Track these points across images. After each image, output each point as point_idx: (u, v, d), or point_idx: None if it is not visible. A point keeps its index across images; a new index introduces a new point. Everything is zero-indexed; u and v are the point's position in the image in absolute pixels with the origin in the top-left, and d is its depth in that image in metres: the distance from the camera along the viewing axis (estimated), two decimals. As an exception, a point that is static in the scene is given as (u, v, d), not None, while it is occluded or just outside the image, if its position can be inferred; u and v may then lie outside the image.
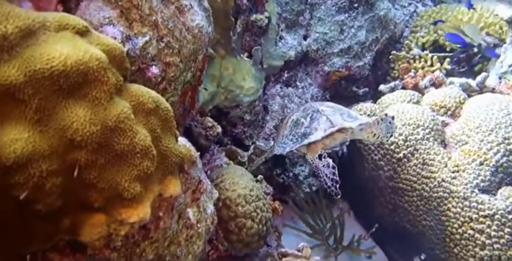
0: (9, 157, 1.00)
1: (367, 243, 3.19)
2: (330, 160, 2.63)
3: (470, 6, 3.49)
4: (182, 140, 1.63)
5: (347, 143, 2.98)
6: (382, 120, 2.58)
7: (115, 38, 1.56)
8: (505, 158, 2.45)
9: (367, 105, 3.15)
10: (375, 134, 2.63)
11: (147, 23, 1.67)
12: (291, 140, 2.73)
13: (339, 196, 2.53)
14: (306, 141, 2.63)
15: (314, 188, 3.48)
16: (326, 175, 2.61)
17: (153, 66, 1.72)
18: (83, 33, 1.18)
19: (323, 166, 2.62)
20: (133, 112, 1.24)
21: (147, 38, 1.66)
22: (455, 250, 2.51)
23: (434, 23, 3.59)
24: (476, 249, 2.42)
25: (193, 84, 2.12)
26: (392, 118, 2.57)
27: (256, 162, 3.12)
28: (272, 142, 3.35)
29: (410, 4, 4.03)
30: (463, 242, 2.47)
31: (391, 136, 2.58)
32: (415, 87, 3.27)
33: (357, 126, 2.57)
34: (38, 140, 1.04)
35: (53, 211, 1.10)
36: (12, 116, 1.04)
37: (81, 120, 1.09)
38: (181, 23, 1.82)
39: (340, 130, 2.59)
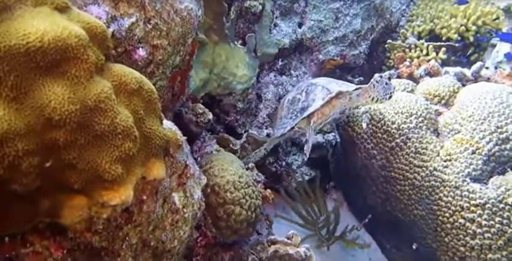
0: (-18, 135, 0.97)
1: (359, 233, 3.18)
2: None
3: (464, 2, 3.47)
4: (168, 124, 1.61)
5: (347, 113, 2.91)
6: (377, 82, 2.55)
7: (99, 18, 1.53)
8: (497, 147, 2.43)
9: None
10: (373, 98, 2.60)
11: (134, 3, 1.64)
12: (291, 119, 2.71)
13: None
14: (305, 114, 2.61)
15: (307, 178, 3.46)
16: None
17: (140, 49, 1.69)
18: (62, 9, 1.14)
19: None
20: (115, 93, 1.21)
21: (133, 19, 1.63)
22: (446, 239, 2.50)
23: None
24: (467, 239, 2.41)
25: (182, 69, 2.08)
26: (389, 78, 2.55)
27: (256, 155, 3.07)
28: (266, 132, 3.32)
29: (407, -8, 4.01)
30: (454, 231, 2.46)
31: (391, 96, 2.56)
32: (410, 76, 3.24)
33: (354, 91, 2.56)
34: (14, 119, 1.01)
35: (30, 191, 1.08)
36: (-13, 94, 1.01)
37: (59, 99, 1.05)
38: (169, 4, 1.79)
39: (338, 97, 2.56)
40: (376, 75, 2.58)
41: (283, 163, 3.46)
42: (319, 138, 3.44)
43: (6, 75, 1.01)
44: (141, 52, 1.69)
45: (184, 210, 1.67)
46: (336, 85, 2.62)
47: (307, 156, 2.65)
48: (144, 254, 1.53)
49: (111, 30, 1.57)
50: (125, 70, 1.27)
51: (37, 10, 1.10)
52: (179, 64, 1.99)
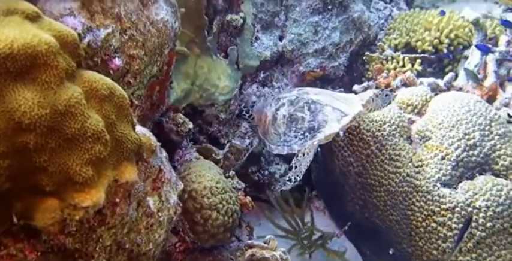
0: (-46, 140, 1.02)
1: (340, 240, 3.23)
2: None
3: (443, 13, 3.60)
4: (142, 130, 1.66)
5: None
6: (377, 96, 2.66)
7: (75, 29, 1.58)
8: (465, 153, 2.51)
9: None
10: (370, 110, 2.71)
11: (110, 15, 1.70)
12: (295, 137, 2.75)
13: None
14: (321, 135, 2.67)
15: (289, 187, 3.52)
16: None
17: (116, 58, 1.75)
18: (33, 18, 1.20)
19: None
20: (86, 98, 1.26)
21: (109, 30, 1.69)
22: (420, 243, 2.56)
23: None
24: (439, 242, 2.47)
25: (160, 79, 2.15)
26: (391, 90, 2.66)
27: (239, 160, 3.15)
28: (248, 141, 3.38)
29: (385, 8, 4.12)
30: (427, 235, 2.52)
31: (389, 103, 2.67)
32: (388, 87, 3.32)
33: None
34: (-15, 123, 1.07)
35: (2, 193, 1.12)
36: (-42, 98, 1.07)
37: (29, 103, 1.11)
38: (145, 16, 1.86)
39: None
40: (375, 91, 2.70)
41: (266, 172, 3.52)
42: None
43: (-23, 81, 1.07)
44: (117, 61, 1.75)
45: (160, 214, 1.72)
46: (344, 105, 2.71)
47: (298, 179, 2.77)
48: (119, 257, 1.57)
49: (86, 40, 1.63)
50: (95, 77, 1.33)
51: (8, 19, 1.15)
52: (157, 74, 2.05)
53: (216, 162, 3.09)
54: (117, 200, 1.46)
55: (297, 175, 2.75)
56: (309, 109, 2.80)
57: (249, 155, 3.31)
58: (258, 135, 3.05)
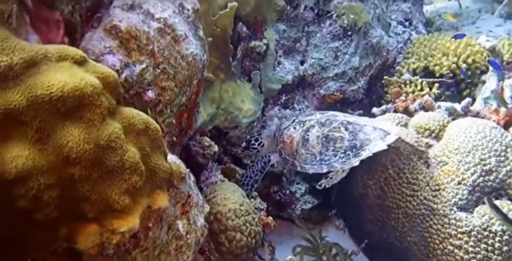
0: (11, 172, 1.14)
1: (358, 258, 3.29)
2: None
3: (459, 37, 3.68)
4: (173, 158, 1.78)
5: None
6: None
7: (114, 66, 1.73)
8: (481, 179, 2.58)
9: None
10: None
11: (144, 51, 1.84)
12: (335, 156, 2.90)
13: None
14: (366, 153, 2.84)
15: (310, 206, 3.61)
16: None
17: (150, 91, 1.88)
18: (80, 62, 1.34)
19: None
20: (125, 133, 1.39)
21: (144, 65, 1.83)
22: (437, 265, 2.64)
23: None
24: (456, 264, 2.54)
25: (189, 107, 2.28)
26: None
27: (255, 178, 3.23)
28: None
29: (404, 32, 4.21)
30: (444, 257, 2.59)
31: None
32: (406, 110, 3.40)
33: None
34: (38, 157, 1.19)
35: (51, 220, 1.24)
36: (15, 136, 1.19)
37: (76, 139, 1.23)
38: (176, 51, 1.99)
39: None
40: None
41: (287, 192, 3.61)
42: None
43: (32, 120, 1.19)
44: (151, 94, 1.88)
45: (188, 236, 1.83)
46: (384, 124, 2.96)
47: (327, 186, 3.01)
48: (151, 277, 1.69)
49: (124, 75, 1.76)
50: (133, 113, 1.46)
51: (59, 64, 1.29)
52: (186, 102, 2.19)
53: (238, 182, 3.22)
54: (150, 224, 1.58)
55: (329, 184, 2.98)
56: (346, 129, 2.96)
57: (270, 176, 3.43)
58: (283, 157, 3.11)
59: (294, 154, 3.03)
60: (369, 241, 3.08)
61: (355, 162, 2.86)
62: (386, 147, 2.81)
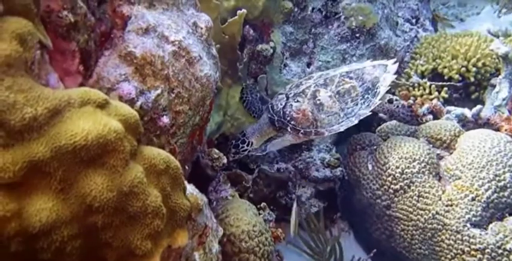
0: (35, 226, 1.12)
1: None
2: (402, 101, 3.28)
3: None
4: (190, 188, 1.75)
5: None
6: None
7: (130, 94, 1.68)
8: (495, 195, 2.56)
9: (367, 135, 3.29)
10: None
11: (159, 76, 1.79)
12: (356, 105, 3.00)
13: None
14: (383, 88, 3.02)
15: (315, 209, 3.60)
16: (404, 113, 3.19)
17: (164, 116, 1.84)
18: (102, 105, 1.30)
19: (396, 107, 3.19)
20: (146, 174, 1.35)
21: (159, 91, 1.78)
22: (448, 279, 2.64)
23: None
24: (468, 281, 2.54)
25: (201, 125, 2.24)
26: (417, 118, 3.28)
27: None
28: (276, 166, 3.49)
29: (411, 29, 4.14)
30: (455, 272, 2.60)
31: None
32: (414, 114, 3.38)
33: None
34: (61, 208, 1.16)
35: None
36: (39, 187, 1.16)
37: (99, 188, 1.20)
38: (190, 73, 1.94)
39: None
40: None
41: (293, 196, 3.60)
42: (327, 172, 3.57)
43: (56, 171, 1.16)
44: (165, 119, 1.84)
45: (204, 265, 1.81)
46: (375, 61, 3.24)
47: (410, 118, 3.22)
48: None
49: (139, 103, 1.72)
50: (153, 153, 1.42)
51: (82, 110, 1.25)
52: (199, 123, 2.14)
53: (246, 189, 3.20)
54: (170, 262, 1.56)
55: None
56: (351, 78, 3.05)
57: (276, 181, 3.42)
58: (303, 131, 3.04)
59: (314, 123, 2.99)
60: (377, 248, 3.07)
61: (378, 101, 2.98)
62: (396, 76, 3.07)
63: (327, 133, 2.99)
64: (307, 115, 2.98)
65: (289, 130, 3.03)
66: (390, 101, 3.19)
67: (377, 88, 2.99)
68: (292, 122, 3.01)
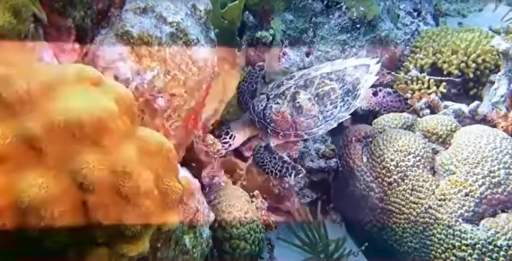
0: (23, 201, 1.11)
1: (356, 258, 3.29)
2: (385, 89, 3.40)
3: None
4: (182, 171, 1.74)
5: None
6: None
7: (125, 74, 1.66)
8: (489, 191, 2.55)
9: (363, 127, 3.26)
10: None
11: (156, 58, 1.77)
12: (336, 107, 2.99)
13: None
14: (363, 91, 3.01)
15: (309, 200, 3.59)
16: (392, 101, 3.37)
17: (160, 98, 1.82)
18: (97, 84, 1.28)
19: (383, 97, 3.34)
20: (139, 154, 1.34)
21: (154, 73, 1.76)
22: (438, 274, 2.64)
23: None
24: (458, 275, 2.54)
25: (196, 109, 2.21)
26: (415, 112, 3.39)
27: None
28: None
29: (412, 23, 4.11)
30: (445, 267, 2.60)
31: None
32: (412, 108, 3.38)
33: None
34: (51, 185, 1.14)
35: (61, 245, 1.21)
36: (30, 163, 1.15)
37: (90, 166, 1.18)
38: (187, 56, 1.92)
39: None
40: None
41: (286, 185, 3.59)
42: (322, 163, 3.55)
43: (48, 147, 1.15)
44: (160, 101, 1.82)
45: (194, 250, 1.80)
46: (356, 61, 3.14)
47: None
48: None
49: (134, 83, 1.70)
50: (147, 134, 1.40)
51: (77, 87, 1.23)
52: (194, 107, 2.12)
53: (240, 176, 3.19)
54: (159, 245, 1.55)
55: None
56: (331, 80, 3.02)
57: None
58: (282, 134, 3.05)
59: (294, 126, 3.00)
60: (369, 240, 3.07)
61: (358, 103, 2.99)
62: (377, 77, 3.05)
63: (306, 136, 3.02)
64: (286, 117, 2.99)
65: (269, 132, 3.05)
66: (375, 94, 3.19)
67: (358, 90, 2.98)
68: (272, 124, 3.03)
